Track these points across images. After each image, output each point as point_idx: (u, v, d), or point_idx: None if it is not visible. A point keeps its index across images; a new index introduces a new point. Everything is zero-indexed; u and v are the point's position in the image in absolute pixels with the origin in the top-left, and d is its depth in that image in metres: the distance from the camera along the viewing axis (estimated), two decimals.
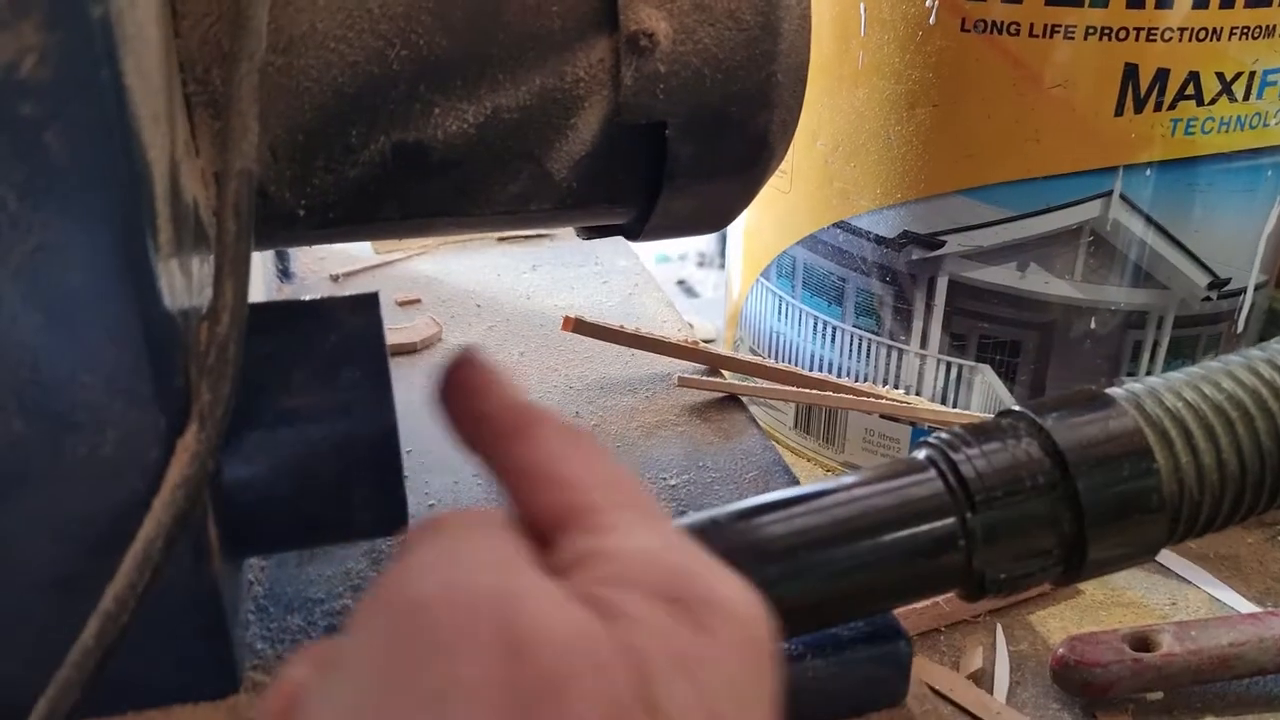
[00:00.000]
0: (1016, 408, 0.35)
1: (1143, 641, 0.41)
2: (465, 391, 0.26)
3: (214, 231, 0.25)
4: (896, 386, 0.55)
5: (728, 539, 0.32)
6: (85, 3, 0.21)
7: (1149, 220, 0.48)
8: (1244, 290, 0.52)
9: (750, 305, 0.63)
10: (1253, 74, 0.46)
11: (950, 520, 0.33)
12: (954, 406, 0.54)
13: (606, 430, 0.49)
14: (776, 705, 0.21)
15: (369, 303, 0.30)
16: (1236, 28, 0.45)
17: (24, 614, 0.26)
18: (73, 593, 0.24)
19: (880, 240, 0.53)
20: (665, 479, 0.45)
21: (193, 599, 0.27)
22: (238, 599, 0.33)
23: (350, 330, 0.29)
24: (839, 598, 0.33)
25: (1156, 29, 0.45)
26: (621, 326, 0.55)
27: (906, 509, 0.33)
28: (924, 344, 0.54)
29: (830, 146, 0.53)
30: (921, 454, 0.35)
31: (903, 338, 0.54)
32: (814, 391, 0.55)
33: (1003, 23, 0.46)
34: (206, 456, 0.24)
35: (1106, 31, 0.45)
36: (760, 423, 0.51)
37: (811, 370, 0.58)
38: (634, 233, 0.39)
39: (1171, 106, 0.46)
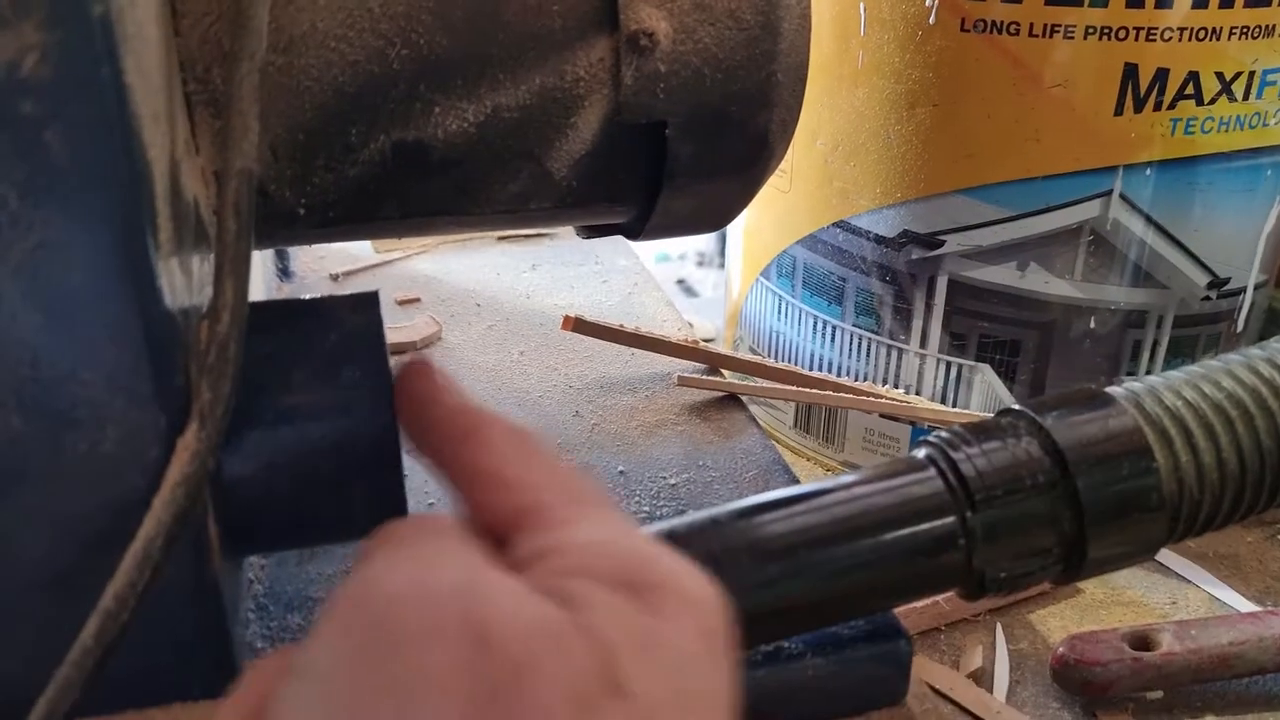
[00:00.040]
0: (1016, 407, 0.35)
1: (1143, 640, 0.41)
2: (416, 400, 0.27)
3: (214, 230, 0.25)
4: (896, 386, 0.55)
5: (728, 538, 0.32)
6: (86, 2, 0.21)
7: (1149, 220, 0.48)
8: (1244, 290, 0.52)
9: (750, 304, 0.63)
10: (1252, 74, 0.46)
11: (950, 519, 0.33)
12: (954, 406, 0.54)
13: (606, 429, 0.49)
14: (733, 685, 0.21)
15: (369, 302, 0.30)
16: (1236, 27, 0.45)
17: (24, 612, 0.26)
18: (72, 591, 0.24)
19: (880, 240, 0.53)
20: (665, 478, 0.45)
21: (193, 597, 0.27)
22: (238, 597, 0.33)
23: (350, 329, 0.29)
24: (839, 596, 0.33)
25: (1156, 29, 0.45)
26: (621, 326, 0.55)
27: (906, 508, 0.33)
28: (924, 343, 0.54)
29: (830, 146, 0.53)
30: (921, 453, 0.35)
31: (902, 337, 0.54)
32: (814, 391, 0.55)
33: (1002, 22, 0.46)
34: (207, 455, 0.24)
35: (1106, 31, 0.45)
36: (760, 422, 0.51)
37: (811, 370, 0.58)
38: (634, 232, 0.39)
39: (1171, 106, 0.46)
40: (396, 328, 0.59)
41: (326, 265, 0.69)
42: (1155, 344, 0.51)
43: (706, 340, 0.65)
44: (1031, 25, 0.46)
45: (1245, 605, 0.47)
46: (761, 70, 0.34)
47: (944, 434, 0.35)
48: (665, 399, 0.52)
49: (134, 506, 0.24)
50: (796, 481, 0.46)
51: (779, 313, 0.60)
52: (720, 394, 0.53)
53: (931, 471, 0.34)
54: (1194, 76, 0.46)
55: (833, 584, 0.32)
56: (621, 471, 0.46)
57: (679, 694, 0.19)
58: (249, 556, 0.38)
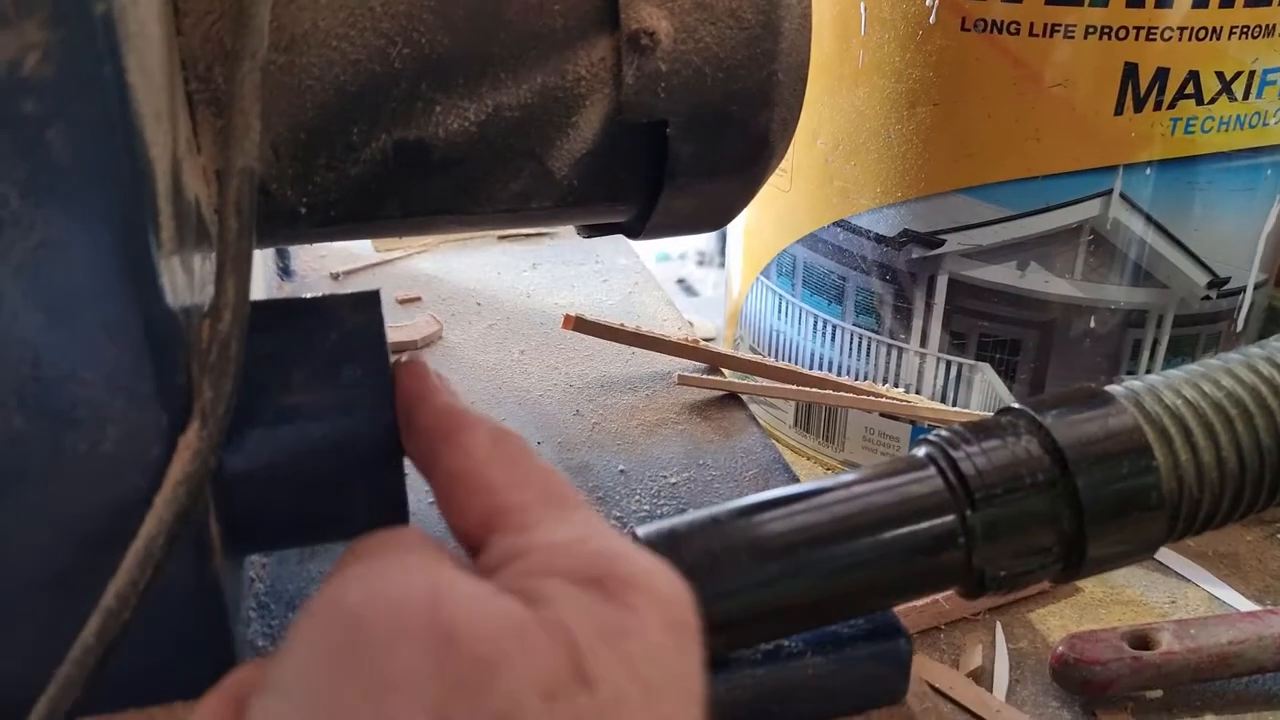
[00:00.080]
0: (1016, 405, 0.35)
1: (1142, 639, 0.41)
2: (405, 400, 0.27)
3: (216, 229, 0.25)
4: (896, 385, 0.55)
5: (728, 536, 0.32)
6: (88, 0, 0.21)
7: (1149, 219, 0.49)
8: (1243, 289, 0.52)
9: (750, 304, 0.63)
10: (1252, 73, 0.46)
11: (950, 518, 0.33)
12: (954, 405, 0.54)
13: (607, 428, 0.49)
14: (702, 678, 0.22)
15: (370, 300, 0.30)
16: (1236, 27, 0.45)
17: (25, 611, 0.26)
18: (74, 590, 0.24)
19: (880, 239, 0.53)
20: (665, 477, 0.45)
21: (194, 596, 0.27)
22: (239, 596, 0.33)
23: (351, 328, 0.29)
24: (839, 595, 0.33)
25: (1156, 28, 0.45)
26: (622, 325, 0.55)
27: (906, 506, 0.33)
28: (924, 342, 0.54)
29: (830, 145, 0.53)
30: (921, 452, 0.35)
31: (903, 336, 0.54)
32: (814, 390, 0.55)
33: (1003, 22, 0.46)
34: (208, 454, 0.24)
35: (1106, 31, 0.45)
36: (760, 421, 0.51)
37: (811, 369, 0.58)
38: (635, 231, 0.39)
39: (1171, 106, 0.46)
40: (397, 326, 0.59)
41: (327, 264, 0.69)
42: (1155, 343, 0.51)
43: (707, 339, 0.65)
44: (1032, 25, 0.46)
45: (1245, 604, 0.47)
46: (762, 69, 0.34)
47: (944, 433, 0.35)
48: (666, 398, 0.52)
49: (135, 505, 0.24)
50: (796, 480, 0.46)
51: (779, 312, 0.60)
52: (720, 393, 0.53)
53: (931, 470, 0.34)
54: (1194, 76, 0.46)
55: (832, 582, 0.32)
56: (622, 470, 0.46)
57: (646, 685, 0.20)
58: (250, 555, 0.38)
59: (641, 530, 0.33)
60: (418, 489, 0.27)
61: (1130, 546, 0.34)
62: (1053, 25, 0.45)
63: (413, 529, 0.25)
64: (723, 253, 0.92)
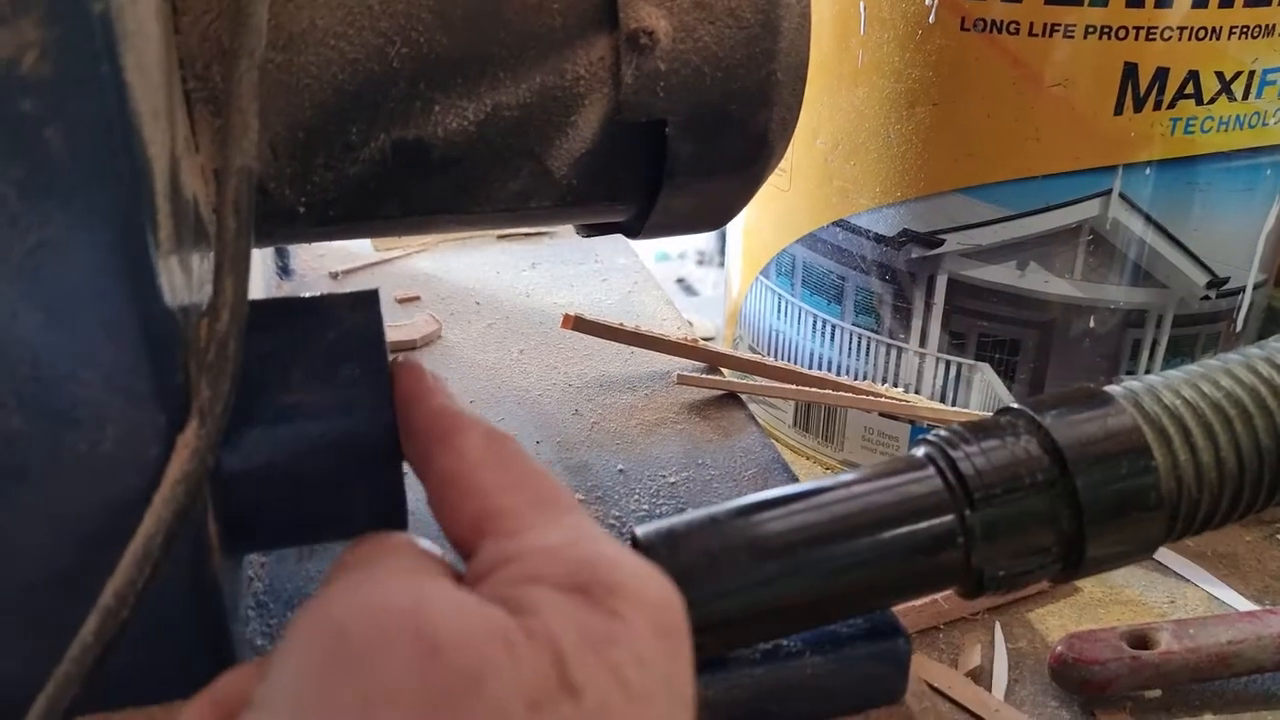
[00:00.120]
0: (1015, 405, 0.35)
1: (1141, 639, 0.41)
2: (401, 401, 0.27)
3: (214, 228, 0.25)
4: (896, 385, 0.55)
5: (727, 536, 0.32)
6: None
7: (1148, 219, 0.49)
8: (1243, 289, 0.52)
9: (750, 303, 0.63)
10: (1252, 73, 0.46)
11: (949, 517, 0.33)
12: (953, 405, 0.54)
13: (606, 427, 0.49)
14: (691, 682, 0.22)
15: (368, 300, 0.30)
16: (1236, 27, 0.45)
17: (24, 610, 0.26)
18: (72, 589, 0.24)
19: (880, 239, 0.53)
20: (664, 476, 0.45)
21: (192, 595, 0.27)
22: (238, 595, 0.33)
23: (350, 327, 0.29)
24: (838, 595, 0.33)
25: (1156, 28, 0.45)
26: (621, 324, 0.55)
27: (905, 506, 0.33)
28: (923, 342, 0.54)
29: (830, 145, 0.53)
30: (920, 451, 0.35)
31: (902, 336, 0.54)
32: (813, 390, 0.55)
33: (1002, 21, 0.46)
34: (206, 453, 0.24)
35: (1106, 30, 0.45)
36: (759, 420, 0.51)
37: (811, 368, 0.58)
38: (634, 230, 0.39)
39: (1171, 105, 0.46)
40: (396, 326, 0.59)
41: (326, 263, 0.69)
42: (1155, 343, 0.51)
43: (706, 339, 0.65)
44: (1031, 24, 0.46)
45: (1243, 604, 0.47)
46: (761, 69, 0.34)
47: (943, 432, 0.35)
48: (665, 397, 0.52)
49: (134, 504, 0.24)
50: (795, 480, 0.46)
51: (778, 311, 0.60)
52: (720, 392, 0.53)
53: (930, 470, 0.34)
54: (1194, 76, 0.46)
55: (831, 582, 0.32)
56: (621, 470, 0.46)
57: (633, 692, 0.20)
58: (249, 554, 0.38)
59: (640, 530, 0.33)
60: (416, 488, 0.27)
61: (1129, 547, 0.34)
62: (1052, 25, 0.45)
63: (402, 536, 0.25)
64: (722, 252, 0.92)
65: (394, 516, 0.29)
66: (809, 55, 0.36)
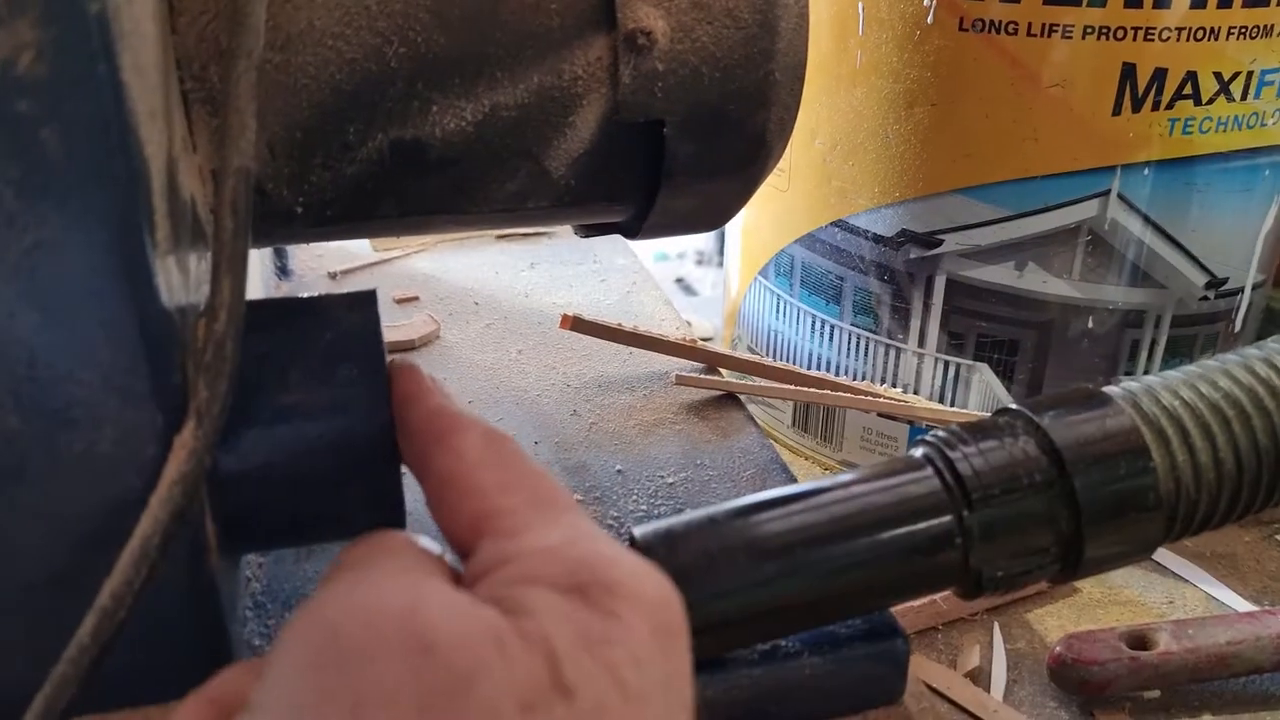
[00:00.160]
0: (1014, 406, 0.35)
1: (1140, 640, 0.41)
2: (397, 402, 0.27)
3: (211, 228, 0.25)
4: (894, 385, 0.55)
5: (725, 536, 0.32)
6: None
7: (1147, 220, 0.49)
8: (1241, 289, 0.52)
9: (748, 303, 0.63)
10: (1250, 74, 0.46)
11: (947, 518, 0.33)
12: (952, 405, 0.54)
13: (604, 428, 0.49)
14: (690, 683, 0.22)
15: (366, 300, 0.30)
16: (1234, 27, 0.45)
17: (20, 611, 0.26)
18: (69, 589, 0.24)
19: (878, 239, 0.53)
20: (663, 476, 0.45)
21: (190, 595, 0.27)
22: (235, 595, 0.33)
23: (347, 328, 0.29)
24: (836, 595, 0.33)
25: (1154, 29, 0.45)
26: (620, 324, 0.55)
27: (903, 507, 0.33)
28: (922, 343, 0.54)
29: (828, 145, 0.53)
30: (918, 452, 0.35)
31: (901, 336, 0.54)
32: (812, 390, 0.55)
33: (1001, 22, 0.46)
34: (203, 453, 0.24)
35: (1104, 31, 0.45)
36: (758, 421, 0.51)
37: (809, 369, 0.58)
38: (632, 231, 0.39)
39: (1169, 106, 0.46)
40: (394, 326, 0.59)
41: (325, 263, 0.69)
42: (1153, 344, 0.51)
43: (705, 339, 0.65)
44: (1030, 25, 0.46)
45: (1242, 605, 0.47)
46: (759, 69, 0.34)
47: (941, 433, 0.35)
48: (663, 398, 0.52)
49: (131, 505, 0.24)
50: (794, 480, 0.46)
51: (777, 312, 0.60)
52: (718, 393, 0.53)
53: (928, 470, 0.34)
54: (1192, 76, 0.46)
55: (830, 583, 0.32)
56: (619, 470, 0.46)
57: (630, 692, 0.20)
58: (246, 554, 0.38)
59: (638, 530, 0.33)
60: (415, 488, 0.27)
61: (1128, 547, 0.34)
62: (1050, 25, 0.45)
63: (400, 535, 0.25)
64: (722, 252, 0.92)
65: (392, 517, 0.29)
66: (807, 55, 0.36)
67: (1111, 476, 0.33)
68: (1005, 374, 0.52)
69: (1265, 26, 0.45)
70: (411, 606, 0.20)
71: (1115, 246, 0.49)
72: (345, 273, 0.68)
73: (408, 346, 0.58)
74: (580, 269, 0.69)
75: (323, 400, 0.28)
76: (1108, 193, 0.48)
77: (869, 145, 0.52)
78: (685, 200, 0.37)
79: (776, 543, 0.32)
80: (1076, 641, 0.41)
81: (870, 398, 0.54)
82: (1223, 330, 0.53)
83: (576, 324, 0.55)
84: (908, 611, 0.44)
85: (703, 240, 1.00)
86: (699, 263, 0.99)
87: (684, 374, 0.54)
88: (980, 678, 0.43)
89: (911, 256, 0.52)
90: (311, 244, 0.68)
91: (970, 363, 0.53)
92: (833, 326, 0.57)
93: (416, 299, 0.64)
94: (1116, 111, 0.46)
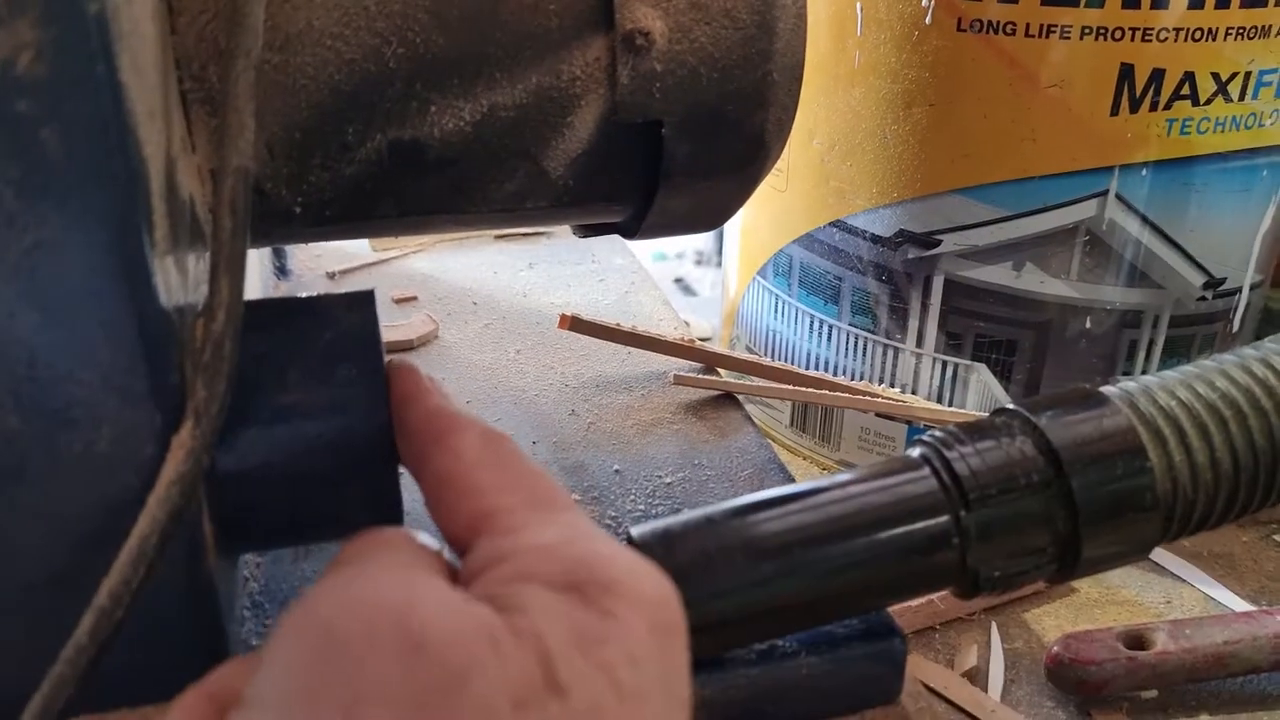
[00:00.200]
0: (1011, 406, 0.35)
1: (1137, 640, 0.41)
2: (395, 402, 0.27)
3: (210, 228, 0.25)
4: (892, 385, 0.55)
5: (723, 536, 0.32)
6: None
7: (1144, 220, 0.49)
8: (1239, 290, 0.52)
9: (747, 304, 0.63)
10: (1248, 74, 0.46)
11: (944, 518, 0.33)
12: (950, 405, 0.54)
13: (602, 428, 0.49)
14: (687, 681, 0.22)
15: (365, 300, 0.30)
16: (1232, 28, 0.45)
17: (18, 610, 0.26)
18: (67, 589, 0.24)
19: (876, 239, 0.53)
20: (661, 476, 0.45)
21: (188, 595, 0.27)
22: (233, 595, 0.33)
23: (346, 328, 0.29)
24: (834, 595, 0.33)
25: (1152, 29, 0.45)
26: (618, 324, 0.56)
27: (901, 507, 0.33)
28: (920, 343, 0.54)
29: (826, 145, 0.53)
30: (916, 452, 0.35)
31: (899, 336, 0.54)
32: (810, 390, 0.55)
33: (999, 22, 0.46)
34: (201, 453, 0.24)
35: (1102, 31, 0.45)
36: (756, 421, 0.51)
37: (807, 369, 0.58)
38: (630, 231, 0.39)
39: (1167, 106, 0.46)
40: (393, 326, 0.59)
41: (323, 263, 0.69)
42: (1151, 344, 0.51)
43: (703, 339, 0.65)
44: (1028, 25, 0.46)
45: (1240, 605, 0.47)
46: (757, 70, 0.34)
47: (938, 433, 0.35)
48: (661, 398, 0.52)
49: (129, 504, 0.24)
50: (792, 480, 0.46)
51: (775, 312, 0.60)
52: (716, 393, 0.53)
53: (926, 470, 0.34)
54: (1190, 77, 0.46)
55: (827, 582, 0.32)
56: (617, 470, 0.46)
57: (625, 691, 0.20)
58: (244, 554, 0.38)
59: (636, 530, 0.33)
60: (413, 488, 0.27)
61: (1125, 547, 0.34)
62: (1048, 26, 0.45)
63: (399, 531, 0.25)
64: (720, 252, 0.92)
65: (390, 516, 0.29)
66: (805, 56, 0.36)
67: (1108, 477, 0.33)
68: (1003, 374, 0.53)
69: (1263, 27, 0.45)
70: (406, 603, 0.20)
71: (1113, 247, 0.49)
72: (344, 272, 0.68)
73: (406, 346, 0.58)
74: (579, 269, 0.69)
75: (321, 400, 0.28)
76: (1106, 193, 0.48)
77: (867, 145, 0.52)
78: (683, 200, 0.37)
79: (774, 542, 0.32)
80: (1074, 641, 0.41)
81: (868, 398, 0.54)
82: (1220, 330, 0.53)
83: (575, 324, 0.55)
84: (905, 611, 0.45)
85: (702, 240, 1.00)
86: (698, 263, 0.99)
87: (682, 374, 0.54)
88: (978, 677, 0.43)
89: (910, 257, 0.52)
90: (310, 244, 0.68)
91: (968, 363, 0.53)
92: (831, 326, 0.57)
93: (415, 299, 0.64)
94: (1114, 112, 0.46)
